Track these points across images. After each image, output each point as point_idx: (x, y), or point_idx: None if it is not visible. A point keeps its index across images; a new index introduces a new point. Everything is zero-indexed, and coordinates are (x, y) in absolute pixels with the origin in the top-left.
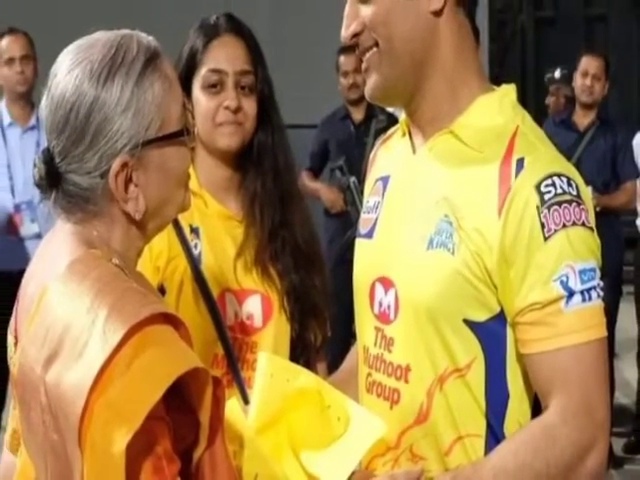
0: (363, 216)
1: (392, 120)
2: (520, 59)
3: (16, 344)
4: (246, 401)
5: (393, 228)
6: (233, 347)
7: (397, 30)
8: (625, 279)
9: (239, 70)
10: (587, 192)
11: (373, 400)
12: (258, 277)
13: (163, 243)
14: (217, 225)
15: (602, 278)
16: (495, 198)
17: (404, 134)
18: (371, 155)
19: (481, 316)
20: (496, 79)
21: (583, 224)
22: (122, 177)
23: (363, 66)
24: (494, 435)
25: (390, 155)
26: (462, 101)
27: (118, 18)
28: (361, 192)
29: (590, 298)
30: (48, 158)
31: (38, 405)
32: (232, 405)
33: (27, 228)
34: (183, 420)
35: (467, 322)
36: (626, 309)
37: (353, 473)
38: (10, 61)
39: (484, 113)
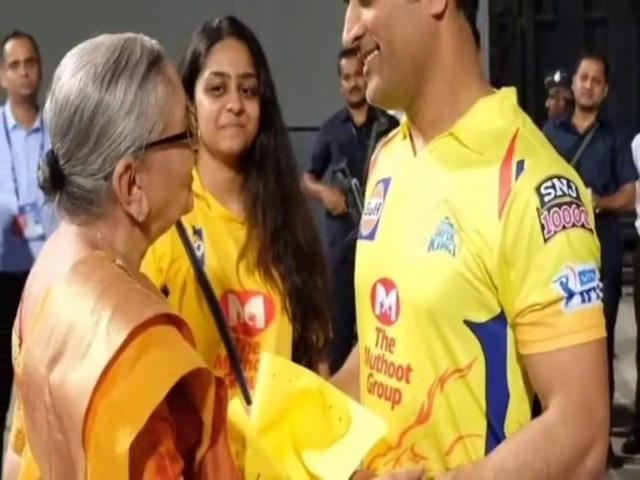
0: (364, 218)
1: (393, 123)
2: (520, 62)
3: (20, 345)
4: (248, 401)
5: (394, 230)
6: (236, 348)
7: (398, 33)
8: (624, 280)
9: (242, 73)
10: (587, 194)
11: (374, 400)
12: (260, 278)
13: (166, 244)
14: (220, 227)
15: (601, 279)
16: (495, 200)
17: (405, 137)
18: (372, 157)
19: (481, 317)
20: (496, 82)
21: (583, 226)
22: (125, 179)
23: (364, 69)
24: (494, 435)
25: (391, 157)
26: (463, 104)
27: (122, 21)
28: (362, 194)
29: (590, 299)
30: (52, 160)
31: (42, 405)
32: (235, 405)
33: (31, 230)
34: (186, 420)
35: (468, 323)
36: (625, 310)
37: (355, 473)
38: (14, 64)
39: (484, 116)
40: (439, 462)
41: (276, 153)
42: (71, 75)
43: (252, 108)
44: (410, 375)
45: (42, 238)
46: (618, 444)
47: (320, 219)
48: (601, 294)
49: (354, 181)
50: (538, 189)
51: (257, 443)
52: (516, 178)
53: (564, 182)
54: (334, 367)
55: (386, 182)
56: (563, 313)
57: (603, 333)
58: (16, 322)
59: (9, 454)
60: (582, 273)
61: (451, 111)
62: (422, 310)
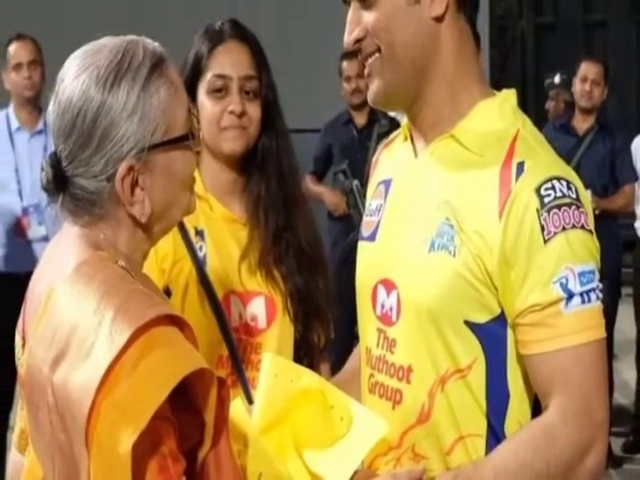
0: (366, 219)
1: (394, 124)
2: (520, 64)
3: (24, 345)
4: (250, 401)
5: (395, 231)
6: (237, 348)
7: (399, 36)
8: (624, 281)
9: (243, 75)
10: (586, 195)
11: (375, 400)
12: (262, 279)
13: (169, 246)
14: (222, 228)
15: (601, 280)
16: (496, 201)
17: (406, 138)
18: (373, 159)
19: (482, 318)
20: (497, 84)
21: (582, 227)
22: (128, 181)
23: (365, 71)
24: (495, 435)
25: (392, 159)
26: (463, 106)
27: (124, 24)
28: (364, 195)
29: (589, 300)
30: (55, 162)
31: (45, 405)
32: (236, 405)
33: (34, 231)
34: (188, 420)
35: (468, 323)
36: (625, 311)
37: (356, 472)
38: (18, 66)
39: (485, 118)
40: (440, 462)
41: (278, 155)
42: (74, 77)
43: (254, 110)
44: (411, 375)
45: (45, 239)
46: (618, 444)
47: (322, 220)
48: (601, 295)
49: (355, 182)
50: (538, 190)
51: (259, 443)
52: (516, 179)
53: (564, 183)
54: (335, 367)
55: (387, 183)
56: (563, 314)
57: (603, 333)
58: (19, 323)
59: (12, 454)
60: (582, 274)
61: (451, 113)
62: (423, 311)
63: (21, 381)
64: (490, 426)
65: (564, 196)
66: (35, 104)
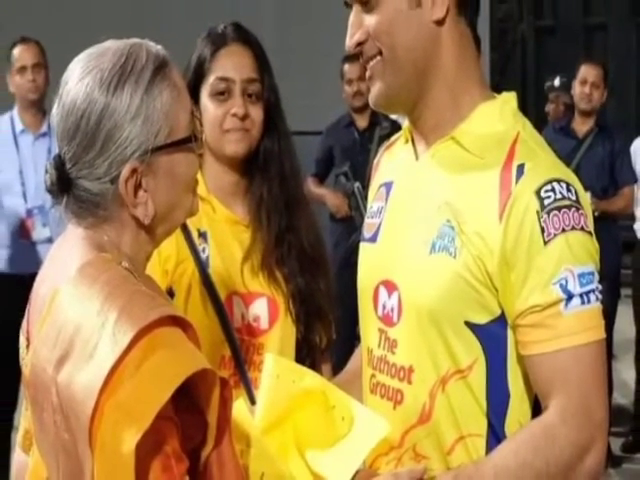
0: (367, 221)
1: (395, 127)
2: (521, 67)
3: (28, 346)
4: (253, 401)
5: (396, 232)
6: (240, 349)
7: (400, 39)
8: (623, 282)
9: (246, 78)
10: (586, 197)
11: (377, 401)
12: (264, 280)
13: (172, 247)
14: (224, 229)
15: (601, 281)
16: (496, 203)
17: (407, 141)
18: (375, 161)
19: (482, 318)
20: (497, 87)
21: (582, 229)
22: (132, 183)
23: (367, 74)
24: (495, 435)
25: (393, 161)
26: (464, 108)
27: (128, 27)
28: (365, 197)
29: (589, 301)
30: (59, 164)
31: (50, 405)
32: (239, 405)
33: (39, 232)
34: (191, 420)
35: (468, 324)
36: (624, 311)
37: (357, 472)
38: (22, 69)
39: (485, 120)
40: (440, 462)
41: (280, 157)
42: (78, 80)
43: (256, 113)
44: (412, 376)
45: (49, 241)
46: (617, 444)
47: (323, 222)
48: (600, 296)
49: (357, 184)
50: (538, 192)
51: (261, 443)
52: (516, 182)
53: (564, 186)
54: (337, 368)
55: (388, 186)
56: (563, 314)
57: (602, 334)
58: (24, 323)
59: (17, 454)
60: (581, 275)
61: (452, 116)
62: (424, 312)
63: (25, 381)
64: (490, 426)
65: (564, 198)
66: (39, 107)
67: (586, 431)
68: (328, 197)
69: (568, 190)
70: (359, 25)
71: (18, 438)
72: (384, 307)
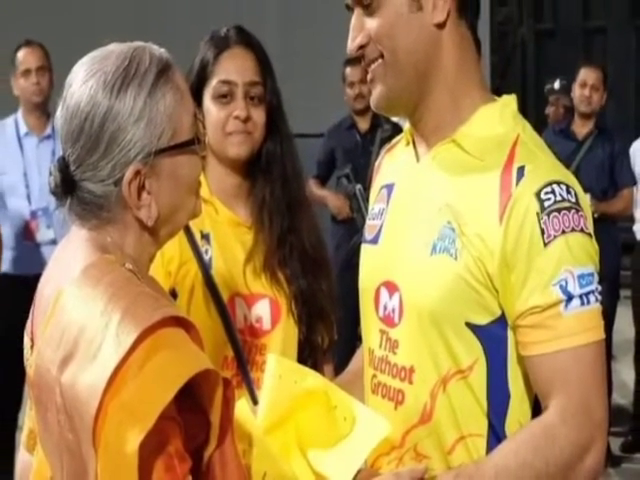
0: (368, 222)
1: (397, 129)
2: (521, 70)
3: (32, 346)
4: (255, 401)
5: (398, 234)
6: (242, 349)
7: (401, 42)
8: (622, 283)
9: (248, 81)
10: (585, 199)
11: (378, 401)
12: (267, 282)
13: (175, 248)
14: (227, 231)
15: (600, 282)
16: (496, 205)
17: (408, 143)
18: (376, 163)
19: (483, 319)
20: (497, 90)
21: (582, 230)
22: (135, 185)
23: (368, 77)
24: (495, 435)
25: (395, 163)
26: (464, 111)
27: (131, 30)
28: (367, 199)
29: (588, 302)
30: (63, 166)
31: (54, 405)
32: (241, 405)
33: (43, 234)
34: (194, 420)
35: (469, 325)
36: (623, 312)
37: (359, 471)
38: (26, 72)
39: (486, 123)
40: (441, 461)
41: (282, 159)
42: (82, 83)
43: (259, 115)
44: (413, 376)
45: (53, 242)
46: (616, 443)
47: (325, 224)
48: (600, 297)
49: (358, 186)
50: (538, 194)
51: (263, 442)
52: (516, 183)
53: (563, 187)
54: (338, 368)
55: (389, 187)
56: (563, 315)
57: (602, 335)
58: (28, 324)
59: (21, 453)
60: (581, 276)
61: (453, 118)
62: (425, 313)
63: (30, 382)
64: (491, 426)
65: (564, 200)
66: (43, 109)
67: (586, 431)
68: (330, 199)
69: (568, 192)
70: (361, 28)
71: (22, 438)
72: (385, 308)
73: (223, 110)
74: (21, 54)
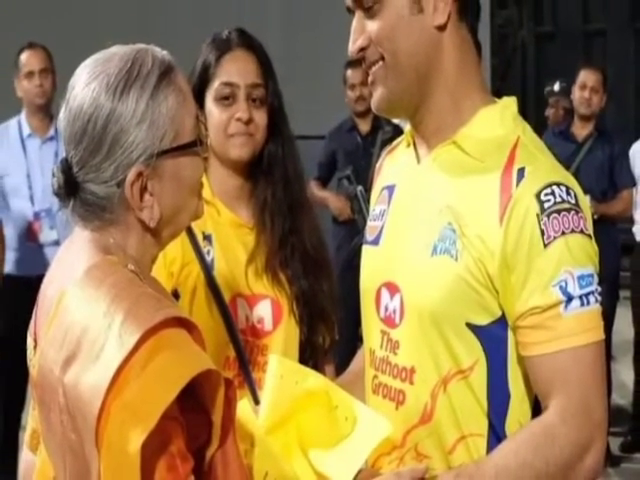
0: (370, 224)
1: (398, 131)
2: (521, 73)
3: (35, 347)
4: (257, 402)
5: (399, 235)
6: (244, 350)
7: (402, 45)
8: (622, 284)
9: (250, 83)
10: (585, 200)
11: (379, 401)
12: (268, 282)
13: (177, 249)
14: (229, 232)
15: (600, 283)
16: (497, 206)
17: (409, 145)
18: (377, 165)
19: (483, 320)
20: (498, 92)
21: (581, 231)
22: (137, 186)
23: (369, 79)
24: (496, 434)
25: (395, 165)
26: (465, 113)
27: (134, 33)
28: (368, 200)
29: (588, 302)
30: (66, 168)
31: (57, 406)
32: (243, 405)
33: (46, 235)
34: (196, 420)
35: (470, 326)
36: (623, 313)
37: (360, 471)
38: (29, 74)
39: (486, 125)
40: (442, 461)
41: (284, 161)
42: (85, 85)
43: (260, 117)
44: (414, 376)
45: (56, 243)
46: (616, 443)
47: (326, 225)
48: (599, 298)
49: (359, 188)
50: (538, 196)
51: (265, 442)
52: (517, 185)
53: (563, 189)
54: (340, 368)
55: (390, 189)
56: (562, 316)
57: (601, 335)
58: (31, 325)
59: (24, 453)
60: (581, 277)
61: (453, 120)
62: (425, 313)
63: (33, 382)
64: (491, 426)
65: (563, 201)
66: (46, 111)
67: (586, 431)
68: (331, 200)
69: (568, 193)
70: (361, 31)
71: (26, 438)
72: (386, 309)
73: (225, 112)
74: (24, 56)
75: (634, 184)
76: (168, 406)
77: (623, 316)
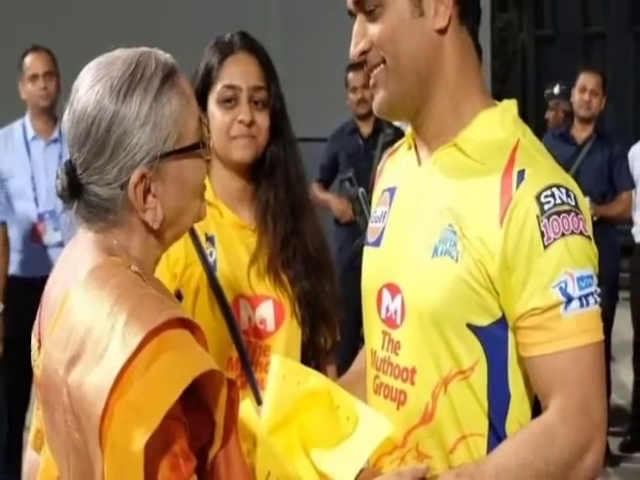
0: (371, 225)
1: (399, 134)
2: (521, 75)
3: (39, 347)
4: (259, 402)
5: (400, 237)
6: (247, 350)
7: (403, 48)
8: (621, 285)
9: (252, 86)
10: (585, 202)
11: (380, 401)
12: (271, 283)
13: (180, 251)
14: (231, 234)
15: (599, 284)
16: (497, 208)
17: (410, 147)
18: (378, 167)
19: (483, 321)
20: (498, 95)
21: (581, 233)
22: (141, 188)
23: (371, 82)
24: (496, 434)
25: (397, 167)
26: (465, 116)
27: (137, 36)
28: (369, 202)
29: (588, 303)
30: (70, 170)
31: (61, 406)
32: (246, 406)
33: (50, 236)
34: (199, 420)
35: (470, 326)
36: (622, 314)
37: (361, 471)
38: (34, 77)
39: (486, 127)
40: (443, 460)
41: (286, 163)
42: (88, 88)
43: (262, 119)
44: (415, 377)
45: (60, 245)
46: (615, 443)
47: (328, 226)
48: (599, 299)
49: (361, 190)
50: (538, 198)
51: (267, 442)
52: (517, 187)
53: (563, 191)
54: (341, 369)
55: (392, 191)
56: (562, 317)
57: (601, 336)
58: (35, 325)
59: (29, 453)
60: (580, 278)
61: (454, 123)
62: (426, 314)
63: (37, 382)
64: (491, 426)
65: (563, 203)
66: (50, 114)
67: (585, 431)
68: (333, 202)
69: (567, 195)
70: (363, 34)
71: (30, 437)
72: (387, 310)
73: (227, 114)
74: (28, 59)
75: (633, 186)
76: (171, 406)
77: (622, 317)
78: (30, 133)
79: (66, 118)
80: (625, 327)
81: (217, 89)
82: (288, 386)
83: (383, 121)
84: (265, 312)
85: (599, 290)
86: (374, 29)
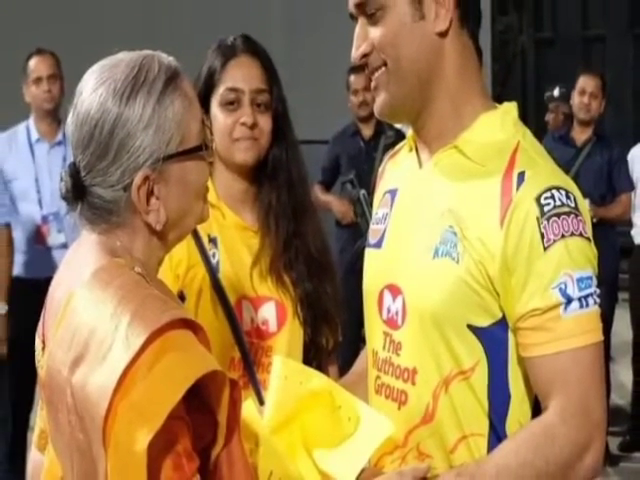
0: (372, 227)
1: (400, 136)
2: (521, 78)
3: (43, 348)
4: (261, 402)
5: (401, 238)
6: (249, 351)
7: (404, 51)
8: (621, 286)
9: (255, 88)
10: (584, 204)
11: (382, 401)
12: (273, 285)
13: (183, 252)
14: (234, 235)
15: (599, 286)
16: (497, 210)
17: (411, 149)
18: (380, 169)
19: (484, 322)
20: (498, 97)
21: (581, 234)
22: (144, 190)
23: (372, 85)
24: (496, 434)
25: (398, 169)
26: (466, 118)
27: (140, 39)
28: (370, 204)
29: (587, 304)
30: (74, 172)
31: (65, 406)
32: (248, 406)
33: (54, 238)
34: (202, 420)
35: (471, 327)
36: (621, 315)
37: (363, 470)
38: (38, 80)
39: (487, 129)
40: (444, 460)
41: (288, 165)
42: (92, 90)
43: (265, 122)
44: (416, 377)
45: (64, 246)
46: (615, 443)
47: (330, 228)
48: (598, 300)
49: (362, 192)
50: (538, 199)
51: (270, 442)
52: (517, 189)
53: (563, 193)
54: (343, 369)
55: (393, 193)
56: (562, 318)
57: (600, 337)
58: (39, 326)
59: (33, 453)
60: (580, 280)
61: (455, 125)
62: (427, 315)
63: (41, 383)
64: (492, 426)
65: (563, 205)
66: (54, 116)
67: (585, 431)
68: (334, 204)
69: (567, 197)
70: (364, 37)
71: (34, 438)
72: (389, 311)
73: (230, 117)
74: (32, 62)
75: (632, 188)
76: (174, 406)
77: (622, 318)
78: (34, 135)
79: (70, 121)
80: (624, 328)
81: (220, 92)
82: (290, 386)
83: (384, 123)
84: (267, 313)
85: (599, 291)
86: (375, 32)
